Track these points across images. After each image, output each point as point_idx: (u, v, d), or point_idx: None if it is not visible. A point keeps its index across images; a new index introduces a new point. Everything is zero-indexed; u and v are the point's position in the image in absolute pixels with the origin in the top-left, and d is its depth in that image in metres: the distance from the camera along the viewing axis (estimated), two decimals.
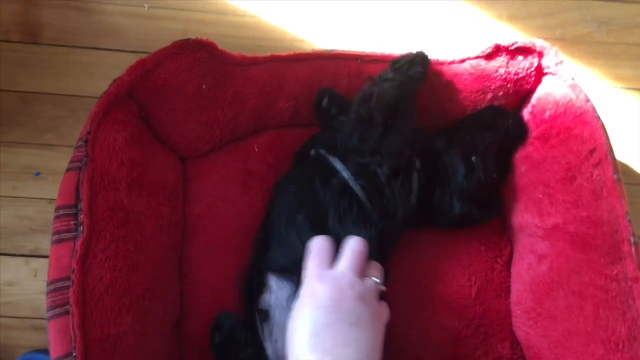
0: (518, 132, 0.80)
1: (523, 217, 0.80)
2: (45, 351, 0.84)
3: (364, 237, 0.66)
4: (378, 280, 0.64)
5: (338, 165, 0.72)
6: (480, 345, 0.79)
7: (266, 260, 0.73)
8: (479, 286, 0.82)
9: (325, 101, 0.80)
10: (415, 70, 0.76)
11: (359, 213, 0.70)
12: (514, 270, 0.83)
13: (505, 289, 0.82)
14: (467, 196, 0.77)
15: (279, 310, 0.68)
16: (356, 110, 0.73)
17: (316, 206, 0.71)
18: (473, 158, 0.76)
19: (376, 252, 0.68)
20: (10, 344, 0.86)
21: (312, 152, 0.76)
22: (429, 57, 0.78)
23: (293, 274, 0.67)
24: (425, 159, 0.77)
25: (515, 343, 0.80)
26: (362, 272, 0.63)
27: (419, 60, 0.77)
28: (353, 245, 0.64)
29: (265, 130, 0.85)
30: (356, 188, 0.70)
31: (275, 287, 0.70)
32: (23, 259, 0.89)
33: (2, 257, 0.88)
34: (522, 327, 0.78)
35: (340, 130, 0.74)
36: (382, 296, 0.65)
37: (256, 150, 0.84)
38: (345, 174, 0.71)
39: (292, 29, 1.00)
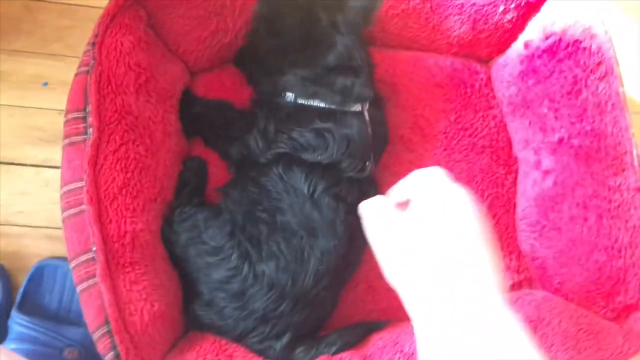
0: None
1: (528, 132, 0.81)
2: (60, 259, 0.84)
3: None
4: None
5: None
6: None
7: None
8: (490, 201, 0.84)
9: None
10: None
11: None
12: (519, 186, 0.84)
13: (512, 204, 0.84)
14: None
15: None
16: None
17: None
18: None
19: None
20: (25, 251, 0.87)
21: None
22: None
23: None
24: None
25: (521, 255, 0.82)
26: None
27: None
28: None
29: None
30: None
31: None
32: (34, 169, 0.88)
33: (12, 166, 0.88)
34: (528, 240, 0.80)
35: None
36: None
37: None
38: None
39: None
